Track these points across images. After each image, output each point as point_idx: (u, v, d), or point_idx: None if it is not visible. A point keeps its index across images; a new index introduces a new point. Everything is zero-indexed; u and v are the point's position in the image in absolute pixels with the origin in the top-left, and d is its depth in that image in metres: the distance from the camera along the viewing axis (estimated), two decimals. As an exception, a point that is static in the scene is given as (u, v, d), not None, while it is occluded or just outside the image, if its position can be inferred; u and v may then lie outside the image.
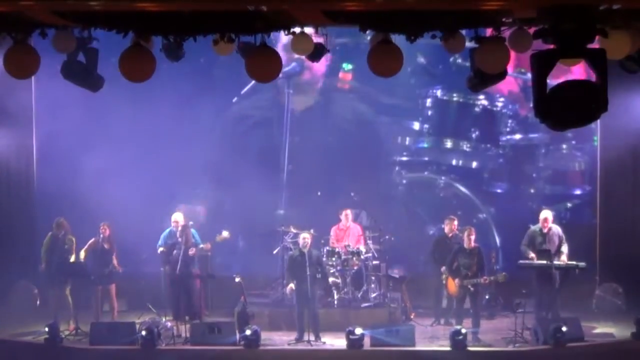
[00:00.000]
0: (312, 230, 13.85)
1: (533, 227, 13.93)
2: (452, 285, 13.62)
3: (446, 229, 14.50)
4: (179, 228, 13.90)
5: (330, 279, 13.89)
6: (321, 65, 15.49)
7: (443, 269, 13.94)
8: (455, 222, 14.41)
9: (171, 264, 13.81)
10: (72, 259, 13.98)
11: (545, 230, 13.74)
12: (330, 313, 13.95)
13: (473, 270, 13.44)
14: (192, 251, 13.66)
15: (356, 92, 16.41)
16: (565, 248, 13.63)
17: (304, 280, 13.12)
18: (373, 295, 14.48)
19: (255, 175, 15.50)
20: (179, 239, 13.76)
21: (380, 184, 16.45)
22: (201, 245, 14.09)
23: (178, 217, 14.16)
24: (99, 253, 14.04)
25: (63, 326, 13.47)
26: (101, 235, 14.01)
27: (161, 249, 14.18)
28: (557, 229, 13.82)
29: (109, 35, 8.93)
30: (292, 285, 13.36)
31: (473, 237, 13.44)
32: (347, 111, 16.44)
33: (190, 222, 14.11)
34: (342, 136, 16.05)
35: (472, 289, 13.40)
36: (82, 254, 14.02)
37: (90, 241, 14.09)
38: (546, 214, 13.90)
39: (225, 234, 14.49)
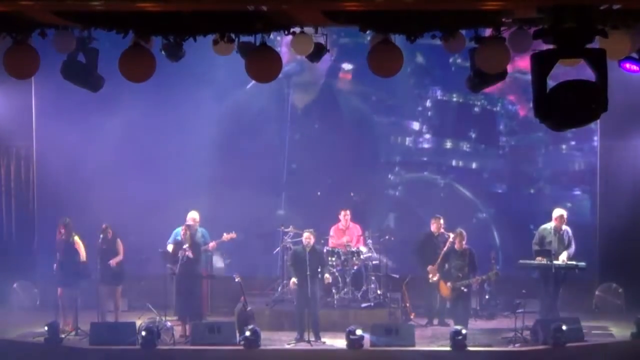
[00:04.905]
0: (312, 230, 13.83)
1: (544, 226, 13.73)
2: (445, 288, 13.69)
3: (433, 228, 14.48)
4: (184, 228, 13.85)
5: (326, 275, 13.76)
6: (322, 65, 15.45)
7: (429, 267, 13.96)
8: (441, 221, 14.41)
9: (176, 263, 13.80)
10: (83, 257, 13.95)
11: (559, 230, 13.54)
12: (330, 313, 13.96)
13: (464, 271, 13.50)
14: (188, 252, 13.59)
15: (356, 92, 16.39)
16: (572, 249, 13.56)
17: (304, 280, 13.13)
18: (373, 295, 14.49)
19: (255, 175, 15.49)
20: (183, 239, 13.74)
21: (380, 184, 16.43)
22: (207, 244, 14.07)
23: (194, 215, 14.14)
24: (104, 255, 14.00)
25: (63, 326, 13.47)
26: (101, 236, 13.98)
27: (170, 246, 14.12)
28: (567, 229, 13.67)
29: (109, 35, 8.94)
30: (294, 280, 13.36)
31: (464, 241, 13.49)
32: (347, 111, 16.42)
33: (191, 223, 14.09)
34: (342, 136, 16.01)
35: (465, 290, 13.44)
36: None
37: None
38: (561, 211, 13.67)
39: (232, 233, 14.46)
